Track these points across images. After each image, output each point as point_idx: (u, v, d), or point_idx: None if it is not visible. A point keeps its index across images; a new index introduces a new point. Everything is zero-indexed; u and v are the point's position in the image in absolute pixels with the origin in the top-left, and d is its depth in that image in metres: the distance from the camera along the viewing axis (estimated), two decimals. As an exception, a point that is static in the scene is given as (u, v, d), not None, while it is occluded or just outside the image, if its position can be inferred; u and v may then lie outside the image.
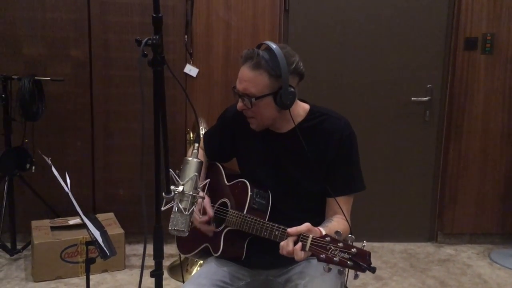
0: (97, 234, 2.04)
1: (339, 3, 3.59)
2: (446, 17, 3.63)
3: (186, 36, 3.48)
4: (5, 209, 3.28)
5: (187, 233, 1.48)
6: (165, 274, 3.16)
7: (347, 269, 1.41)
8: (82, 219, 2.04)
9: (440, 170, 3.80)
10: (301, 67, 1.73)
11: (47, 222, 3.30)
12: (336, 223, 1.71)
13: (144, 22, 3.42)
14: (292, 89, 1.69)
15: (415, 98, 3.69)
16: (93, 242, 2.02)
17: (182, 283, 2.19)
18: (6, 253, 3.34)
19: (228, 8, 3.49)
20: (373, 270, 1.36)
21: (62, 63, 3.47)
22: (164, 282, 1.60)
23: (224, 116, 2.00)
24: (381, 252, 3.71)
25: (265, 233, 1.64)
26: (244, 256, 1.80)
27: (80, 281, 3.10)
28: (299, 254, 1.47)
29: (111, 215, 3.46)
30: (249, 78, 1.68)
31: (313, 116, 1.81)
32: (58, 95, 3.48)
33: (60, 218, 3.36)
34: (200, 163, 1.50)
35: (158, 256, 1.54)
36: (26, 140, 3.33)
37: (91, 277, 2.22)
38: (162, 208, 1.49)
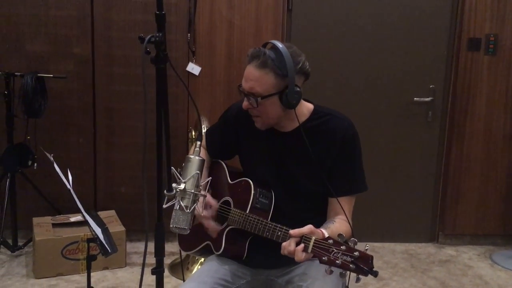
0: (98, 231, 2.05)
1: (343, 3, 3.59)
2: (449, 18, 3.62)
3: (189, 34, 3.48)
4: (6, 205, 3.28)
5: (188, 231, 1.48)
6: (166, 272, 3.16)
7: (349, 272, 1.40)
8: (83, 216, 2.04)
9: (442, 170, 3.79)
10: (307, 67, 1.72)
11: (48, 219, 3.30)
12: (338, 224, 1.70)
13: (147, 20, 3.42)
14: (298, 89, 1.68)
15: (417, 99, 3.68)
16: (94, 239, 2.02)
17: (182, 281, 2.20)
18: (7, 250, 3.35)
19: (231, 7, 3.49)
20: (375, 274, 1.35)
21: (64, 60, 3.47)
22: (165, 280, 1.60)
23: (227, 114, 1.99)
24: (382, 252, 3.71)
25: (267, 233, 1.64)
26: (245, 255, 1.79)
27: (81, 278, 3.11)
28: (300, 255, 1.46)
29: (112, 212, 3.47)
30: (255, 77, 1.67)
31: (317, 116, 1.80)
32: (60, 92, 3.48)
33: (62, 215, 3.36)
34: (202, 161, 1.50)
35: (159, 253, 1.54)
36: (28, 137, 3.33)
37: (92, 274, 2.22)
38: (164, 206, 1.49)
